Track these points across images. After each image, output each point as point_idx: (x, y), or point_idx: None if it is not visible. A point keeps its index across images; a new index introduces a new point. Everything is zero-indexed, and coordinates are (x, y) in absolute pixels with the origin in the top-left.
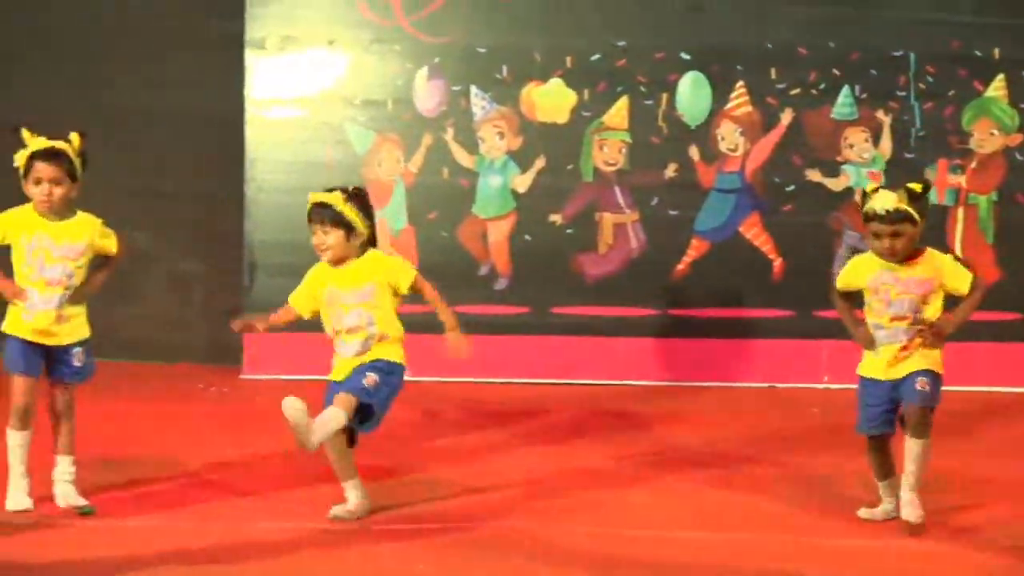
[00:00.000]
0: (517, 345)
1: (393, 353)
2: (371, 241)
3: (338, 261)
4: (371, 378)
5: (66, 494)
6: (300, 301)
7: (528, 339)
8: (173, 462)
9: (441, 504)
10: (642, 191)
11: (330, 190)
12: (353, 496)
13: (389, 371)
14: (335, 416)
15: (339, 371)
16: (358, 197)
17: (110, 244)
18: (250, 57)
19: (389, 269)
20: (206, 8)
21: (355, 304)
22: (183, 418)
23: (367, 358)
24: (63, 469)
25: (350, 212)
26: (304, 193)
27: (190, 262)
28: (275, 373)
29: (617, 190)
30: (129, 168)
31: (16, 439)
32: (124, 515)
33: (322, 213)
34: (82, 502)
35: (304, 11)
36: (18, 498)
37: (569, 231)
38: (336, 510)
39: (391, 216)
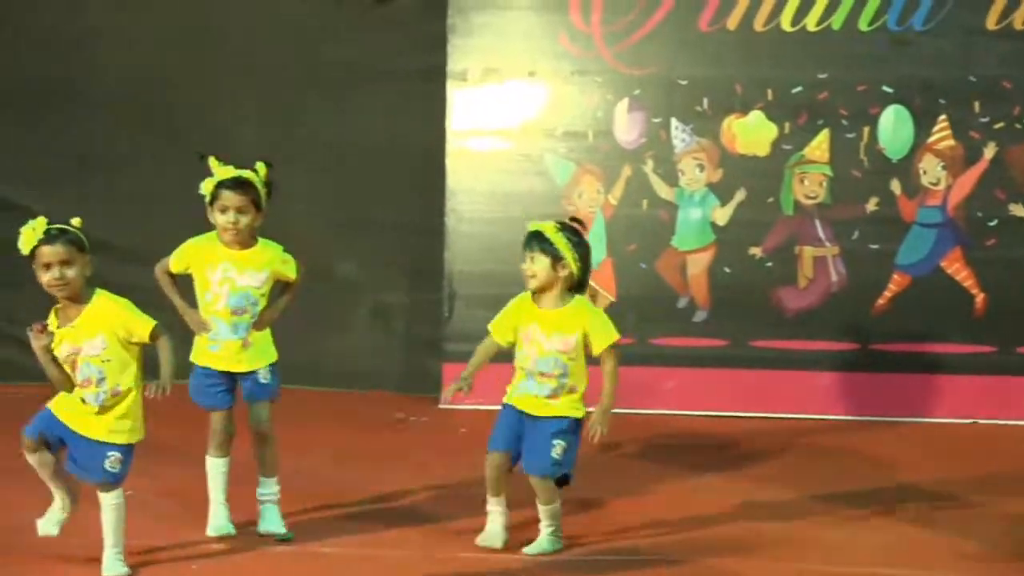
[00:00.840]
0: (715, 378)
1: (577, 409)
2: (581, 283)
3: (541, 290)
4: (559, 447)
5: (270, 519)
6: (500, 330)
7: (726, 372)
8: (371, 489)
9: (640, 537)
10: (843, 225)
11: (560, 222)
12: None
13: (574, 430)
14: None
15: (525, 402)
16: (572, 230)
17: (290, 270)
18: (452, 89)
19: (592, 325)
20: (409, 41)
21: (554, 352)
22: (381, 446)
23: (554, 411)
24: (268, 490)
25: (560, 241)
26: (504, 224)
27: (392, 292)
28: (472, 403)
29: (817, 223)
30: (333, 199)
31: (215, 466)
32: (321, 542)
33: (533, 240)
34: (282, 530)
35: (506, 43)
36: (218, 524)
37: (769, 264)
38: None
39: (591, 247)
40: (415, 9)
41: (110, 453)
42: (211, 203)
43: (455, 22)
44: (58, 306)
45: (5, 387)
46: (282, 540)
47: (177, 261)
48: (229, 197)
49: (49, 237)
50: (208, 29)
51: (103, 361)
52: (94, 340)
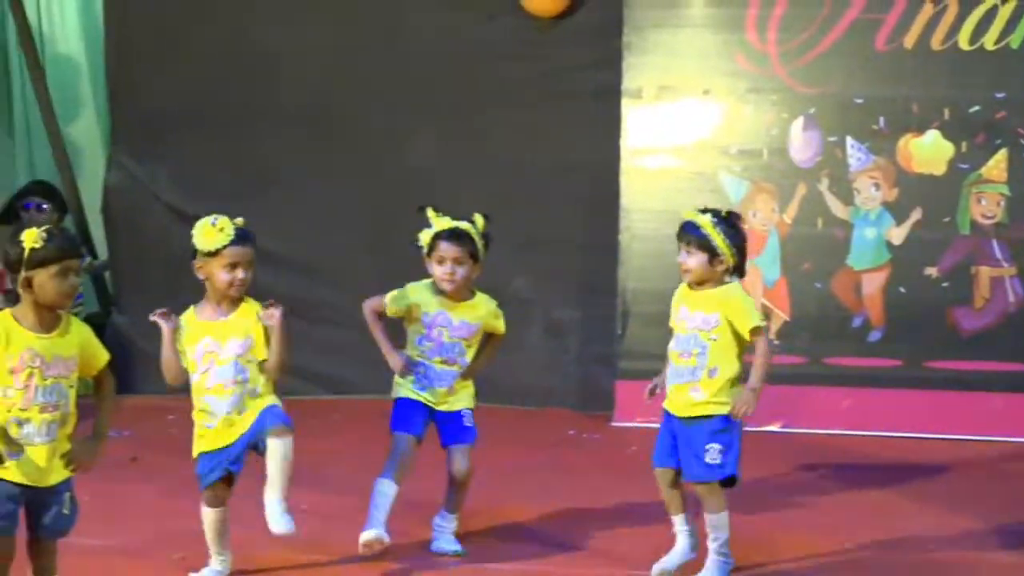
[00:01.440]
0: (890, 398)
1: (724, 403)
2: (738, 270)
3: (698, 284)
4: (714, 450)
5: (443, 540)
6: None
7: (901, 392)
8: (543, 507)
9: (819, 559)
10: (1020, 245)
11: (704, 211)
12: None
13: (728, 428)
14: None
15: (674, 404)
16: (729, 223)
17: (499, 325)
18: (626, 106)
19: (735, 309)
20: (583, 59)
21: (693, 330)
22: (554, 463)
23: (702, 411)
24: (447, 524)
25: (717, 236)
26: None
27: (565, 309)
28: (645, 421)
29: (995, 243)
30: (508, 216)
31: (384, 485)
32: (494, 559)
33: (689, 233)
34: (456, 547)
35: (681, 61)
36: (372, 533)
37: (945, 284)
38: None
39: (765, 266)
40: (591, 27)
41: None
42: (428, 254)
43: (631, 40)
44: (196, 305)
45: (180, 401)
46: (456, 555)
47: (395, 304)
48: (447, 249)
49: (239, 238)
50: (388, 47)
51: (247, 362)
52: (241, 341)
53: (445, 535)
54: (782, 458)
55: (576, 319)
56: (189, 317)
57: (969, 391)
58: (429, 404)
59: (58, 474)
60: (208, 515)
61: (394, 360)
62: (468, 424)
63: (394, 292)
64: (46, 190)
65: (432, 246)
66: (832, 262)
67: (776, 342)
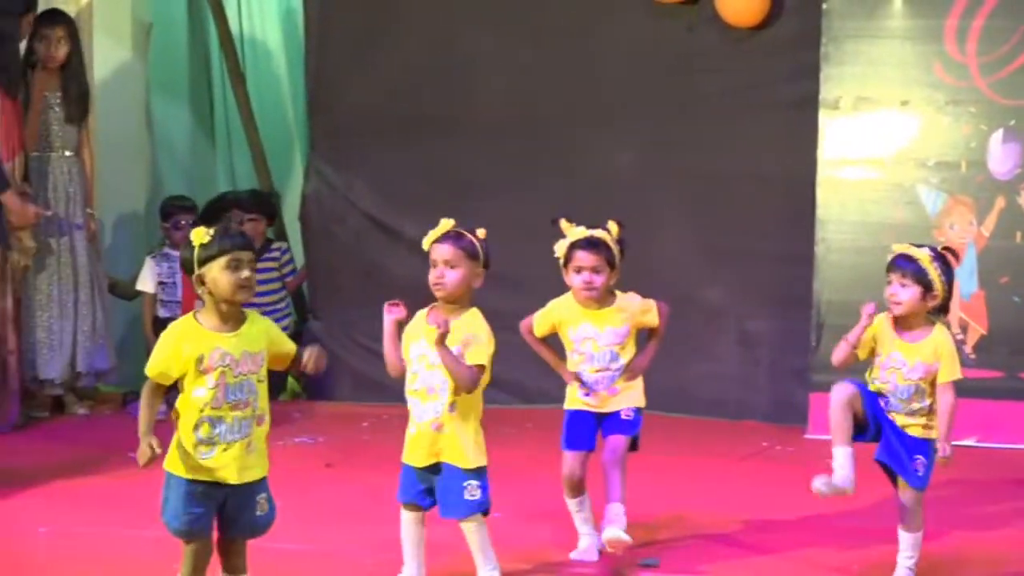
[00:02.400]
0: None
1: (934, 427)
2: (944, 308)
3: (903, 318)
4: (919, 462)
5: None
6: (864, 350)
7: None
8: (734, 517)
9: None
10: None
11: (918, 246)
12: None
13: (931, 450)
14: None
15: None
16: (943, 260)
17: (652, 318)
18: (824, 117)
19: (949, 358)
20: (781, 70)
21: (913, 380)
22: (746, 475)
23: (913, 431)
24: (610, 514)
25: (933, 272)
26: (874, 254)
27: (759, 320)
28: None
29: None
30: (702, 226)
31: (570, 505)
32: (686, 571)
33: (904, 266)
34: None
35: (879, 72)
36: (586, 551)
37: None
38: None
39: (962, 279)
40: (789, 38)
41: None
42: (565, 265)
43: (828, 51)
44: (431, 306)
45: (374, 407)
46: (646, 566)
47: (540, 325)
48: (583, 258)
49: (442, 237)
50: (586, 57)
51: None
52: (455, 348)
53: (611, 525)
54: (976, 472)
55: (770, 331)
56: (419, 315)
57: None
58: (594, 410)
59: (253, 472)
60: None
61: (564, 371)
62: (625, 418)
63: (539, 312)
64: (259, 202)
65: (568, 256)
66: None
67: (972, 356)
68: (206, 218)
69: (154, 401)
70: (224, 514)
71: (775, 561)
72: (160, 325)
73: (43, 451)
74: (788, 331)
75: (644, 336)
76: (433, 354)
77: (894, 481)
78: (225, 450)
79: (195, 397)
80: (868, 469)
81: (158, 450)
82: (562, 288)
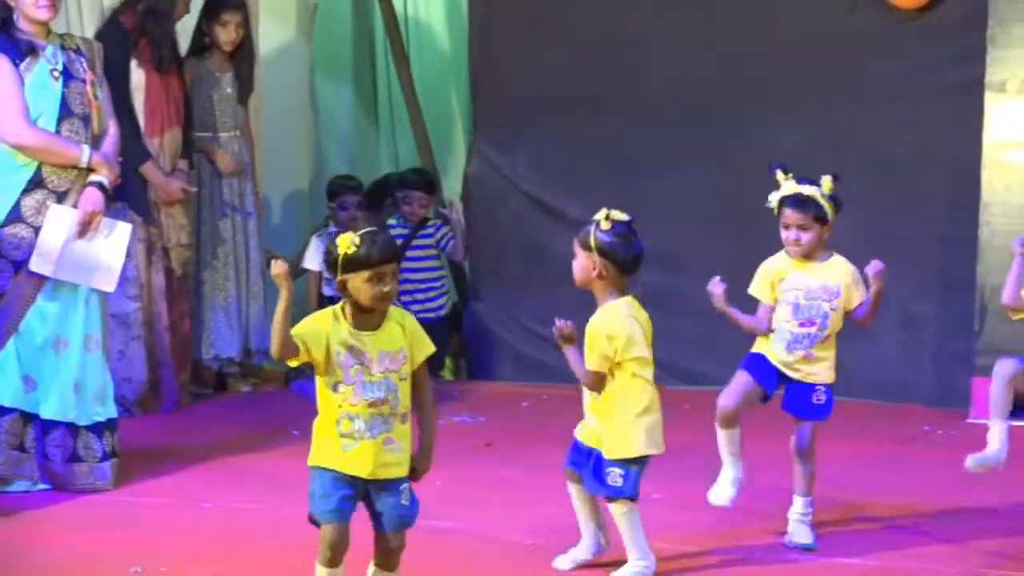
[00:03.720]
0: None
1: None
2: None
3: None
4: None
5: (796, 532)
6: None
7: None
8: (894, 501)
9: None
10: None
11: None
12: None
13: None
14: None
15: None
16: None
17: (856, 295)
18: (989, 100)
19: None
20: (946, 52)
21: None
22: (907, 458)
23: None
24: (797, 509)
25: None
26: None
27: (922, 304)
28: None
29: None
30: (867, 210)
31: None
32: (844, 554)
33: None
34: (808, 540)
35: None
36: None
37: None
38: None
39: None
40: (955, 21)
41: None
42: (778, 217)
43: (995, 33)
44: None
45: (535, 387)
46: (806, 549)
47: (760, 288)
48: (790, 215)
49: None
50: (749, 39)
51: None
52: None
53: (796, 525)
54: None
55: (932, 314)
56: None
57: None
58: (779, 368)
59: (393, 470)
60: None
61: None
62: (817, 401)
63: (755, 280)
64: (424, 181)
65: (779, 211)
66: None
67: None
68: (370, 199)
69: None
70: (369, 506)
71: (934, 547)
72: (325, 303)
73: (207, 428)
74: (951, 315)
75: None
76: None
77: None
78: (366, 445)
79: (332, 393)
80: None
81: None
82: (724, 270)
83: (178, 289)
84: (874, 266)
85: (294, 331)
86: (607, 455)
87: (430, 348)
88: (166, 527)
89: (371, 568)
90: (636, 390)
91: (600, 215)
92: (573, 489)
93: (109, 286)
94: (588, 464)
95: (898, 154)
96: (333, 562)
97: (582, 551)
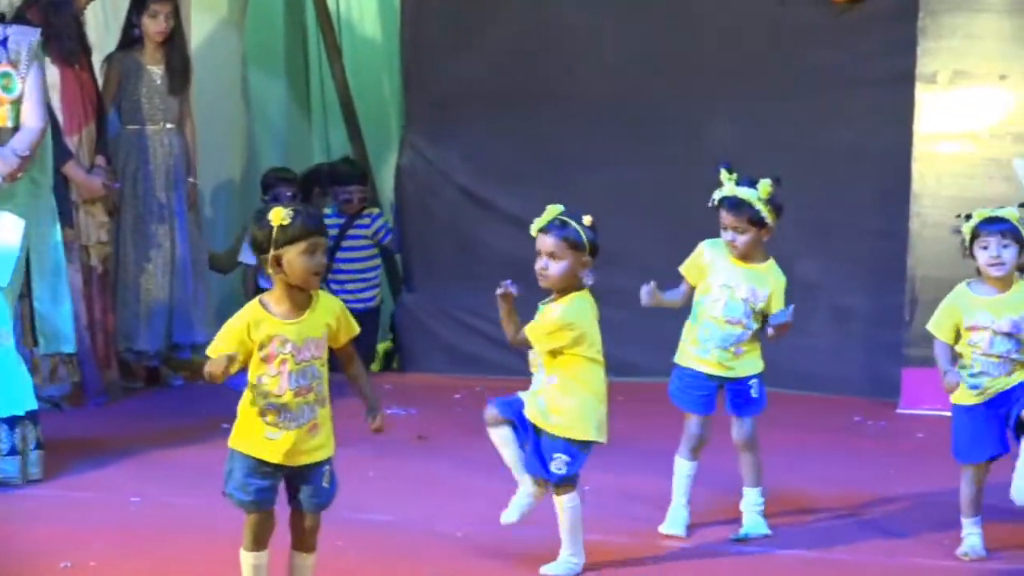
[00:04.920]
0: None
1: None
2: None
3: (1008, 276)
4: None
5: (752, 523)
6: (943, 330)
7: None
8: (827, 492)
9: None
10: None
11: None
12: None
13: None
14: None
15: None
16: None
17: (778, 302)
18: (920, 92)
19: None
20: (878, 44)
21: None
22: (839, 449)
23: None
24: (750, 500)
25: (1022, 228)
26: None
27: (853, 295)
28: (932, 408)
29: None
30: (796, 202)
31: (682, 468)
32: (779, 546)
33: (1004, 228)
34: (764, 530)
35: (977, 46)
36: (674, 524)
37: None
38: None
39: None
40: (886, 13)
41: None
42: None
43: (926, 24)
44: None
45: (467, 379)
46: (737, 540)
47: (688, 268)
48: (725, 217)
49: (547, 226)
50: (682, 31)
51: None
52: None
53: (752, 516)
54: None
55: (864, 305)
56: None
57: None
58: (714, 373)
59: (318, 453)
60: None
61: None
62: (755, 395)
63: (689, 258)
64: (355, 173)
65: (719, 210)
66: None
67: None
68: (300, 189)
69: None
70: (289, 487)
71: (870, 538)
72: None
73: (138, 422)
74: (882, 306)
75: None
76: None
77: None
78: (289, 435)
79: (259, 383)
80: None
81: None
82: (657, 263)
83: (100, 286)
84: (782, 313)
85: (226, 350)
86: (559, 434)
87: (355, 329)
88: (95, 521)
89: (292, 552)
90: (598, 376)
91: (586, 219)
92: (498, 433)
93: (1, 280)
94: (528, 439)
95: (830, 146)
96: (257, 546)
97: (523, 497)
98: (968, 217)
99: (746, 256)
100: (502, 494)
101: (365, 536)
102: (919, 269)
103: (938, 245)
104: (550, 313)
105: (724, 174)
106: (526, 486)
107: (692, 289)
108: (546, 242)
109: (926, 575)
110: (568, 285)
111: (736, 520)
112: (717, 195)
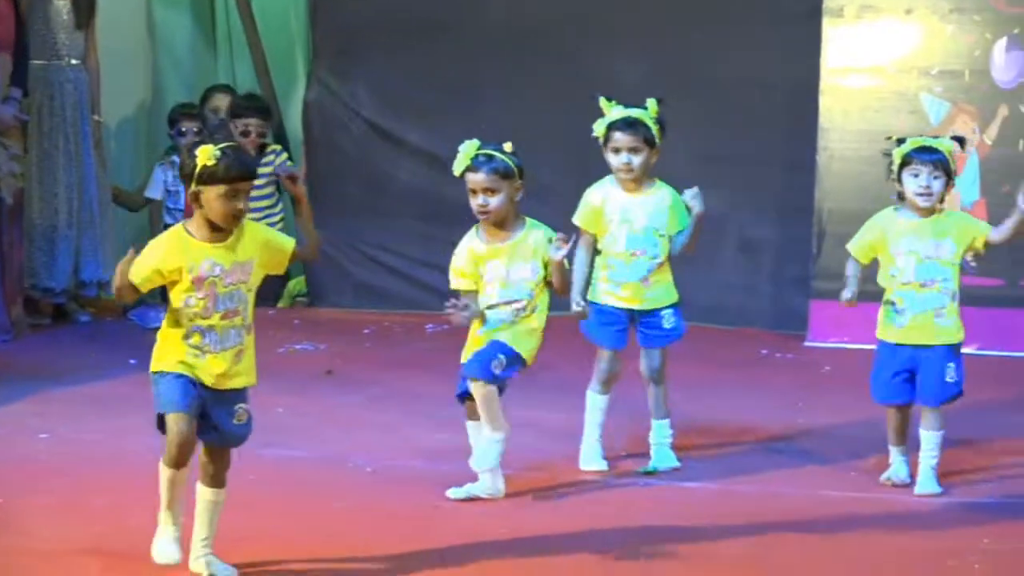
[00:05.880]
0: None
1: (961, 329)
2: None
3: (933, 207)
4: (952, 370)
5: (662, 456)
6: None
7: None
8: (734, 425)
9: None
10: None
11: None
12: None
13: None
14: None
15: (915, 334)
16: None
17: (679, 220)
18: (827, 26)
19: (971, 226)
20: None
21: (933, 259)
22: (747, 382)
23: (946, 337)
24: (659, 433)
25: (953, 162)
26: (876, 163)
27: (760, 228)
28: (838, 341)
29: None
30: (704, 135)
31: (595, 402)
32: (685, 479)
33: (939, 160)
34: (675, 463)
35: None
36: (589, 459)
37: None
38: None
39: (964, 188)
40: None
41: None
42: (605, 144)
43: None
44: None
45: (376, 314)
46: (646, 473)
47: (582, 219)
48: (620, 139)
49: (475, 164)
50: None
51: (533, 285)
52: (526, 265)
53: (661, 449)
54: (976, 381)
55: (771, 238)
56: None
57: None
58: (626, 307)
59: (240, 379)
60: None
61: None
62: (668, 326)
63: (579, 209)
64: (255, 107)
65: (607, 137)
66: None
67: (973, 264)
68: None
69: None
70: (204, 419)
71: (773, 470)
72: None
73: (44, 358)
74: (789, 239)
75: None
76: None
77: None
78: (215, 358)
79: (185, 307)
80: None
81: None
82: (566, 190)
83: (9, 219)
84: (689, 193)
85: (140, 269)
86: (510, 342)
87: (289, 243)
88: (3, 458)
89: (199, 487)
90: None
91: (506, 146)
92: (472, 426)
93: None
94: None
95: (738, 80)
96: (179, 461)
97: (477, 489)
98: (900, 141)
99: (639, 179)
100: (411, 428)
101: (275, 471)
102: (826, 202)
103: (845, 178)
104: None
105: (604, 102)
106: (484, 482)
107: (595, 237)
108: (478, 179)
109: (832, 506)
110: (509, 214)
111: (646, 453)
112: (602, 122)
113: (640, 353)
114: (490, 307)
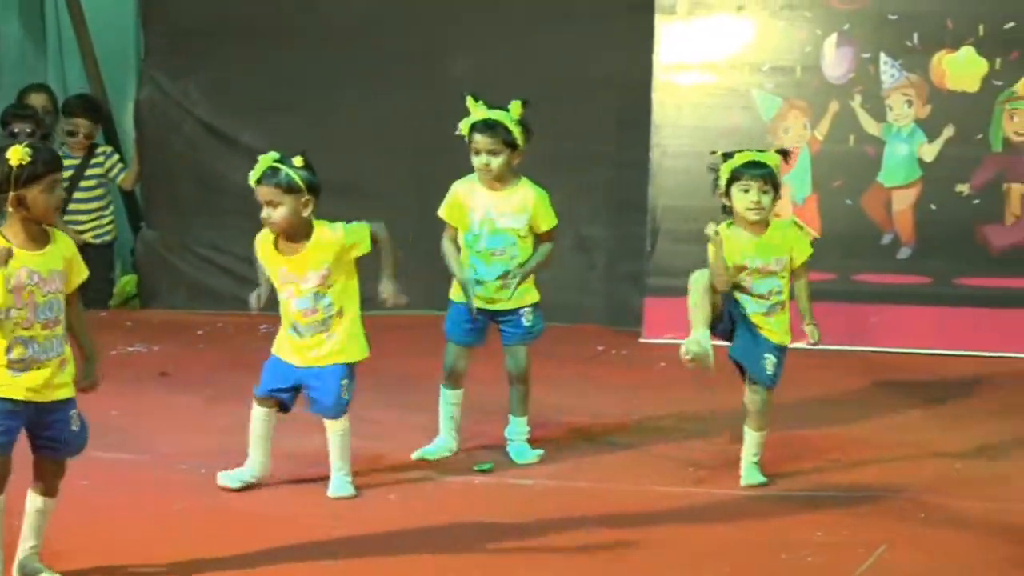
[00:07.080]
0: (918, 315)
1: (788, 333)
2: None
3: (765, 221)
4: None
5: (520, 452)
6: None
7: (930, 309)
8: (570, 422)
9: (841, 474)
10: None
11: (761, 151)
12: None
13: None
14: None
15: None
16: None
17: (547, 218)
18: (660, 22)
19: (803, 245)
20: None
21: (771, 274)
22: (583, 379)
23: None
24: (518, 429)
25: (778, 175)
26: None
27: (595, 225)
28: (674, 337)
29: None
30: (537, 132)
31: (446, 396)
32: (519, 476)
33: (765, 173)
34: (533, 459)
35: None
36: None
37: (976, 202)
38: None
39: (795, 183)
40: None
41: (344, 381)
42: (468, 144)
43: None
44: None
45: (209, 315)
46: (482, 471)
47: (447, 212)
48: (479, 140)
49: (261, 177)
50: None
51: (327, 288)
52: (318, 271)
53: (520, 445)
54: (807, 374)
55: (605, 236)
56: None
57: (998, 308)
58: (484, 307)
59: (65, 390)
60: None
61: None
62: (527, 323)
63: (447, 197)
64: (84, 106)
65: (469, 137)
66: (863, 179)
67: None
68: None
69: None
70: (35, 433)
71: (611, 466)
72: None
73: None
74: (623, 236)
75: None
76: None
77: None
78: (39, 370)
79: (8, 318)
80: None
81: None
82: (404, 194)
83: None
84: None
85: None
86: (344, 360)
87: (85, 273)
88: None
89: (30, 495)
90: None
91: (296, 160)
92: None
93: None
94: (306, 385)
95: (571, 76)
96: None
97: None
98: (727, 156)
99: (500, 179)
100: (246, 429)
101: (110, 474)
102: (660, 199)
103: (678, 175)
104: (333, 233)
105: (471, 101)
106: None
107: (456, 231)
108: (263, 192)
109: (667, 499)
110: (298, 225)
111: (485, 447)
112: (467, 121)
113: (504, 351)
114: (294, 328)
